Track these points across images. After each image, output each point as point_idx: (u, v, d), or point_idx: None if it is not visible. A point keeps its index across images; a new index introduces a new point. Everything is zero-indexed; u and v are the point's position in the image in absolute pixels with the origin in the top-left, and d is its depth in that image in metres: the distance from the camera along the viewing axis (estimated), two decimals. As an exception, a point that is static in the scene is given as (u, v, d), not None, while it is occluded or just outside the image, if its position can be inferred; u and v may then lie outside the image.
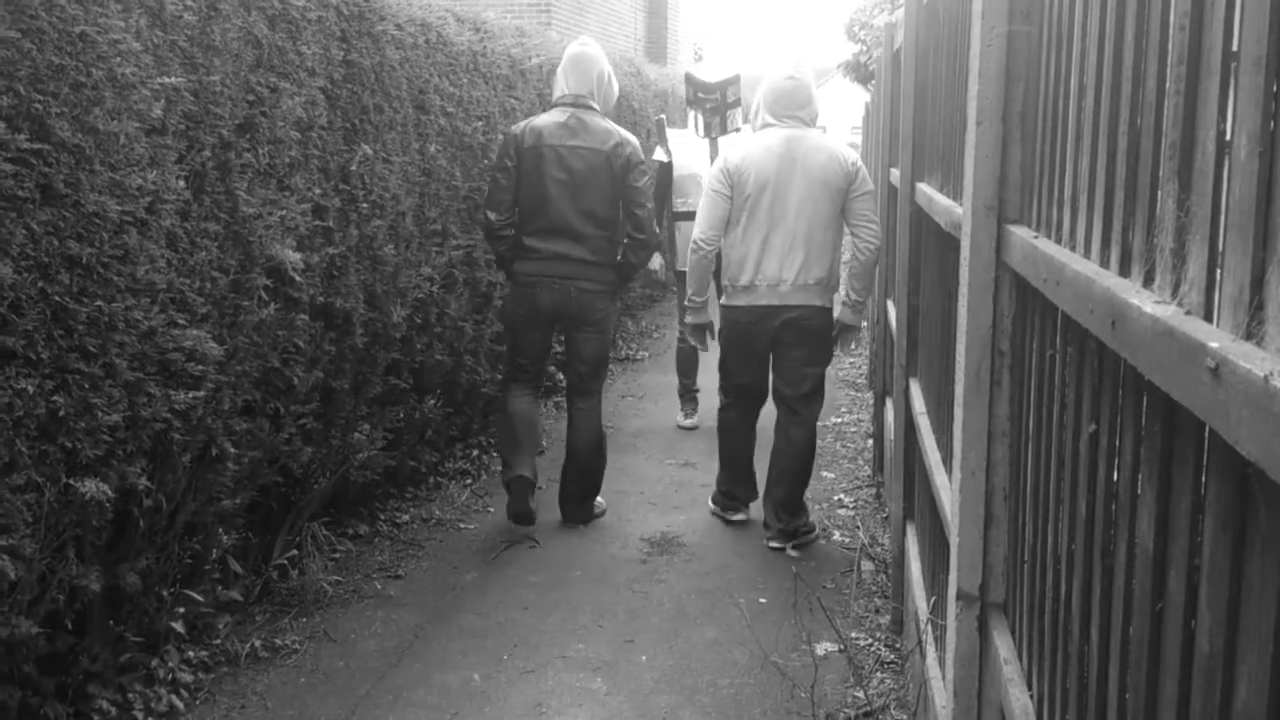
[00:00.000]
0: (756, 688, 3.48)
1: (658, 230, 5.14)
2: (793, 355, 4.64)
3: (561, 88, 4.80)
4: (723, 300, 4.75)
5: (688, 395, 6.74)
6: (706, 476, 5.64)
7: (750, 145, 4.60)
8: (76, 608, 2.99)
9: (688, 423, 6.64)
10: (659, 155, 6.58)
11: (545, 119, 4.73)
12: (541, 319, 4.77)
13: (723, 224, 4.60)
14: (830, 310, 4.68)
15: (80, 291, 2.72)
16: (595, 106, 4.76)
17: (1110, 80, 1.31)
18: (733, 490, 4.97)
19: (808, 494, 4.86)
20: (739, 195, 4.54)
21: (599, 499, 5.08)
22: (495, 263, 5.20)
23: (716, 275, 4.95)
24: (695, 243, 4.64)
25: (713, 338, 5.02)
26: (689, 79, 6.63)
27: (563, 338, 5.12)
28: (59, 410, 2.67)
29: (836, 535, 4.82)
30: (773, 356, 4.73)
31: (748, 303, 4.60)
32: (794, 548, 4.63)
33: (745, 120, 6.51)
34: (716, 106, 6.41)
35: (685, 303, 5.05)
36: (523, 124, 4.76)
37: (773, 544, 4.66)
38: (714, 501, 5.09)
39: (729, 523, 4.96)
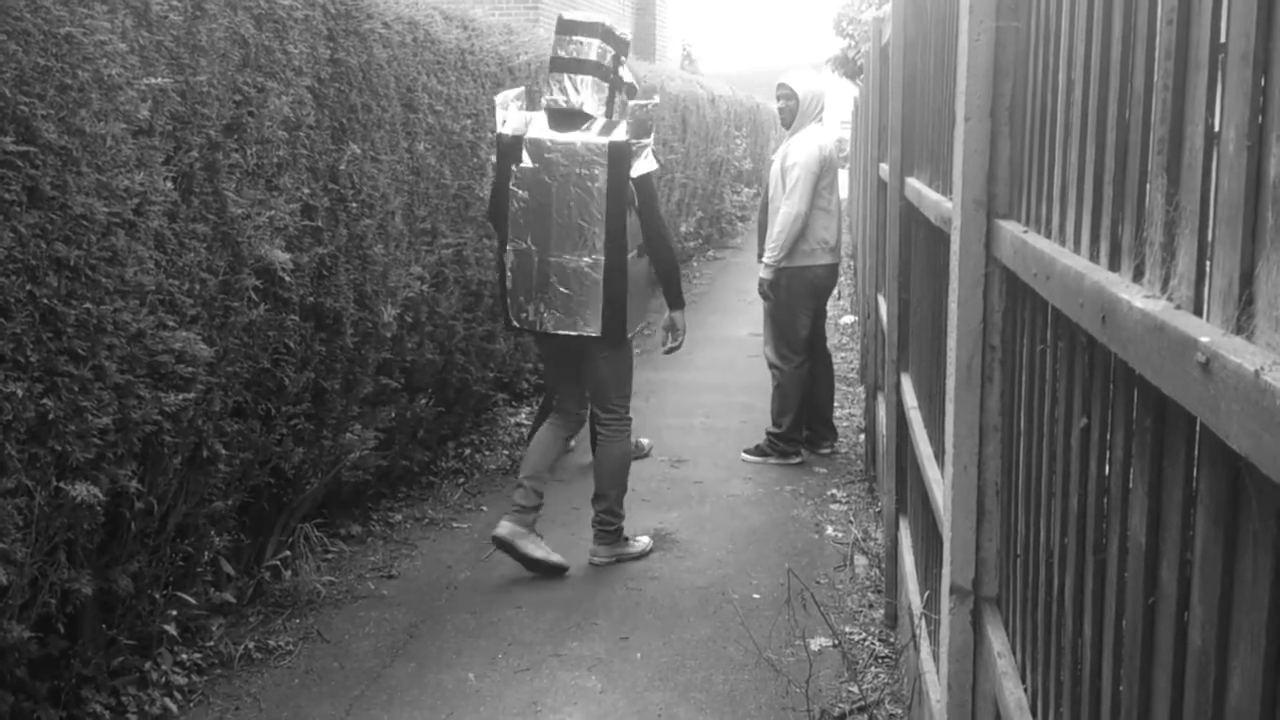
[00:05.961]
0: (751, 684, 3.48)
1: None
2: (824, 303, 5.89)
3: None
4: (804, 262, 5.63)
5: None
6: (699, 473, 5.65)
7: (822, 137, 5.74)
8: (68, 611, 2.98)
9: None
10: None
11: None
12: None
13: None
14: None
15: (69, 294, 2.71)
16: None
17: (1098, 75, 1.31)
18: (823, 430, 5.97)
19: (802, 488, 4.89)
20: (825, 175, 5.68)
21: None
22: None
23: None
24: (800, 215, 5.57)
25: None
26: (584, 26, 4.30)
27: None
28: (48, 413, 2.66)
29: (830, 530, 4.82)
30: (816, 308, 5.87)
31: (832, 260, 5.77)
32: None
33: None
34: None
35: (774, 262, 5.68)
36: None
37: (824, 450, 5.93)
38: (782, 448, 5.79)
39: (822, 455, 5.91)
